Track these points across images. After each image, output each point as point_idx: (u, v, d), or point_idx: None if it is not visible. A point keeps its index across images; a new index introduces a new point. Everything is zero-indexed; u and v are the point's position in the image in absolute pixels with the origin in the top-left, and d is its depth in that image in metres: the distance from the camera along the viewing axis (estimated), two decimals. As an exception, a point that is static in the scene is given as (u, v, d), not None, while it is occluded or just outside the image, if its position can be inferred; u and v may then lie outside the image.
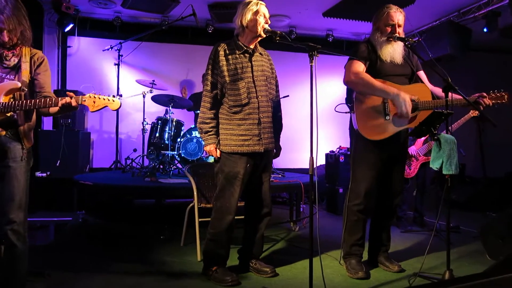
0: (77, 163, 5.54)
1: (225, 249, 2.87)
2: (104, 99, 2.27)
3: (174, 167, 5.32)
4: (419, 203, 4.78)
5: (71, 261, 3.32)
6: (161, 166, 5.26)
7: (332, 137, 6.66)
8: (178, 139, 5.19)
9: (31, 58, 2.33)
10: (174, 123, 5.40)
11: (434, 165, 2.64)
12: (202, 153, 5.03)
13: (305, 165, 6.67)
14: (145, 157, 5.80)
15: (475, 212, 5.59)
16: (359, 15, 6.10)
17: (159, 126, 5.43)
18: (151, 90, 5.68)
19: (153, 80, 5.70)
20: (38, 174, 5.12)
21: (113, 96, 2.30)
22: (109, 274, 3.04)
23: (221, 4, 5.99)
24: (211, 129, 2.81)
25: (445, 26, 5.64)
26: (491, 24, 5.17)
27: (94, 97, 2.25)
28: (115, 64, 6.20)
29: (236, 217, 2.87)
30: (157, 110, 6.08)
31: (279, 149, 3.10)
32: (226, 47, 2.82)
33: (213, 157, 5.01)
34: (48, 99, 2.22)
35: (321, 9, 6.09)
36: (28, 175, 2.33)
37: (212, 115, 2.82)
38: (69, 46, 6.60)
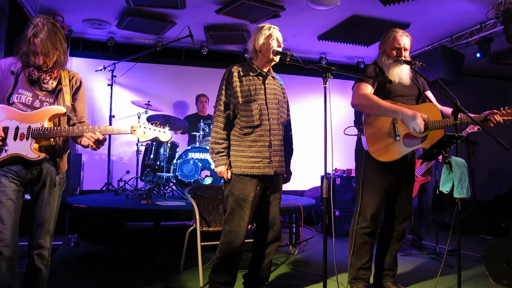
0: (68, 185, 5.38)
1: (232, 274, 2.77)
2: (154, 130, 2.28)
3: (169, 189, 5.22)
4: (418, 226, 4.76)
5: (64, 288, 3.18)
6: (156, 188, 5.16)
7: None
8: (174, 161, 5.10)
9: (69, 81, 2.32)
10: (169, 144, 5.32)
11: (444, 188, 2.62)
12: (199, 175, 4.95)
13: (297, 187, 6.72)
14: (138, 179, 5.68)
15: (468, 235, 5.61)
16: (353, 39, 6.21)
17: (153, 148, 5.34)
18: (146, 111, 5.61)
19: (149, 101, 5.64)
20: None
21: (163, 127, 2.33)
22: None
23: (217, 26, 6.02)
24: (223, 150, 2.76)
25: (438, 51, 5.75)
26: (484, 50, 5.30)
27: (145, 127, 2.26)
28: (109, 85, 6.14)
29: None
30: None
31: (289, 173, 3.05)
32: (240, 69, 2.81)
33: (211, 179, 5.01)
34: (91, 128, 2.23)
35: (316, 33, 6.18)
36: (60, 199, 2.34)
37: (225, 136, 2.78)
38: (62, 66, 6.50)
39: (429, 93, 3.11)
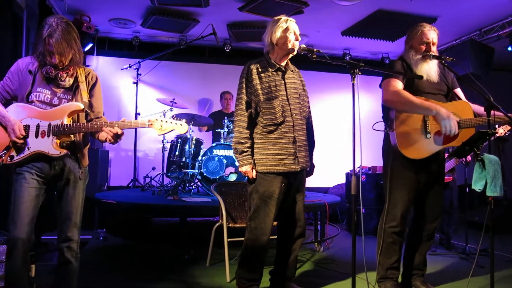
0: (96, 181, 5.50)
1: (259, 270, 2.78)
2: (171, 123, 2.29)
3: (195, 185, 5.27)
4: (446, 224, 4.67)
5: (96, 281, 3.25)
6: (182, 185, 5.22)
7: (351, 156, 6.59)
8: (199, 158, 5.15)
9: (86, 78, 2.36)
10: (193, 141, 5.37)
11: (477, 186, 2.55)
12: (224, 172, 4.98)
13: (321, 184, 6.67)
14: (164, 175, 5.76)
15: (499, 235, 5.45)
16: (378, 34, 6.11)
17: (179, 145, 5.40)
18: (171, 108, 5.67)
19: (173, 99, 5.70)
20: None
21: (180, 120, 2.32)
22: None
23: (240, 24, 6.02)
24: (247, 149, 2.74)
25: (467, 45, 5.60)
26: (516, 43, 5.14)
27: (161, 120, 2.27)
28: (134, 83, 6.23)
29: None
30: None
31: (312, 167, 3.02)
32: (258, 65, 2.78)
33: (235, 176, 5.02)
34: (108, 122, 2.26)
35: (340, 28, 6.11)
36: (84, 193, 2.40)
37: (248, 135, 2.76)
38: (88, 65, 6.63)
39: (458, 91, 3.03)
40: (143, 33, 6.54)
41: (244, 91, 2.77)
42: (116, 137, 2.26)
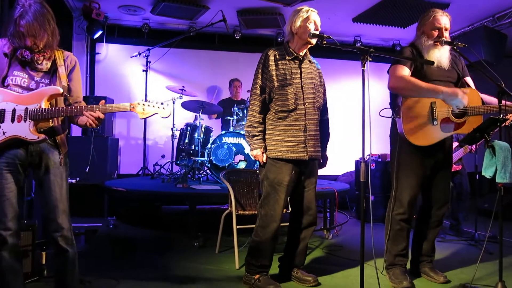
0: (106, 169, 5.56)
1: (268, 257, 2.81)
2: (153, 106, 2.23)
3: (204, 173, 5.30)
4: (457, 211, 4.65)
5: (106, 268, 3.27)
6: (191, 173, 5.25)
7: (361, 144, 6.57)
8: (208, 145, 5.17)
9: (64, 61, 2.28)
10: (203, 129, 5.39)
11: (487, 173, 2.55)
12: (233, 160, 4.99)
13: (330, 172, 6.69)
14: (173, 163, 5.80)
15: (509, 221, 5.40)
16: (389, 20, 6.03)
17: (188, 132, 5.42)
18: (180, 96, 5.68)
19: (183, 86, 5.71)
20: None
21: (161, 104, 2.25)
22: (146, 281, 2.99)
23: (250, 10, 5.99)
24: (259, 133, 2.78)
25: (480, 32, 5.51)
26: (529, 29, 5.05)
27: (143, 104, 2.22)
28: (143, 71, 6.24)
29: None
30: (184, 116, 6.08)
31: (325, 158, 3.04)
32: (276, 53, 2.81)
33: (244, 164, 5.04)
34: (88, 106, 2.18)
35: (351, 15, 6.05)
36: (67, 181, 2.30)
37: (261, 119, 2.79)
38: (98, 53, 6.67)
39: (468, 79, 2.99)
40: (152, 20, 6.55)
41: (260, 76, 2.80)
42: (98, 121, 2.19)
